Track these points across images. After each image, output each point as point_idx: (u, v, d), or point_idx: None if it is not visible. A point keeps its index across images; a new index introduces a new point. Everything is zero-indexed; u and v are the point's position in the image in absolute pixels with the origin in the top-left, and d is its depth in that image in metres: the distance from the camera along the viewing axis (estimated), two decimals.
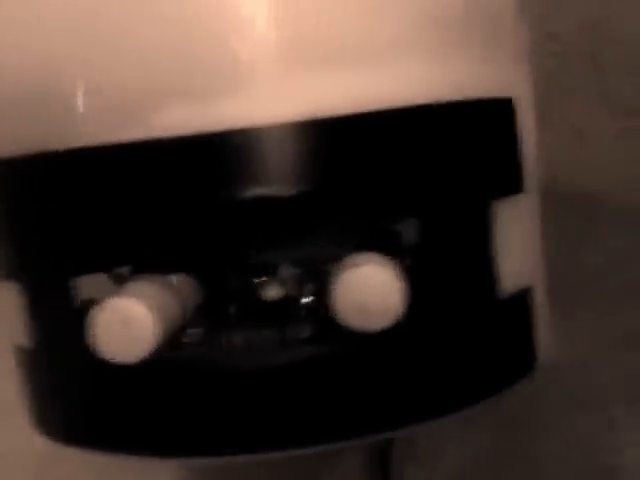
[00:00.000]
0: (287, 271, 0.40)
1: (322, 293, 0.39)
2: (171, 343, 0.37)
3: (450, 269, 0.38)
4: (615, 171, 0.70)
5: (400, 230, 0.46)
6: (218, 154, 0.35)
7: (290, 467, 0.59)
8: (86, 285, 0.40)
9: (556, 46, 0.71)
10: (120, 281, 0.45)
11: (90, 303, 0.40)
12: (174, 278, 0.40)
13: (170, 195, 0.36)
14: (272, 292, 0.39)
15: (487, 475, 0.68)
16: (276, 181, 0.35)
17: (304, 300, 0.40)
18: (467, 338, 0.38)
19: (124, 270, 0.45)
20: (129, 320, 0.34)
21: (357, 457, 0.63)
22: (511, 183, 0.40)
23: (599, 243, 0.68)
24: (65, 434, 0.41)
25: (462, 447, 0.68)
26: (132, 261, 0.39)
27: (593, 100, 0.70)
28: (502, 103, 0.40)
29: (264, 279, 0.40)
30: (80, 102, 0.36)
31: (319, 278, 0.40)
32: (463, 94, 0.38)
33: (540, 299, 0.45)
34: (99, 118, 0.36)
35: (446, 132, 0.37)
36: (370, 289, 0.35)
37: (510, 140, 0.40)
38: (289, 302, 0.40)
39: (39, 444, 0.43)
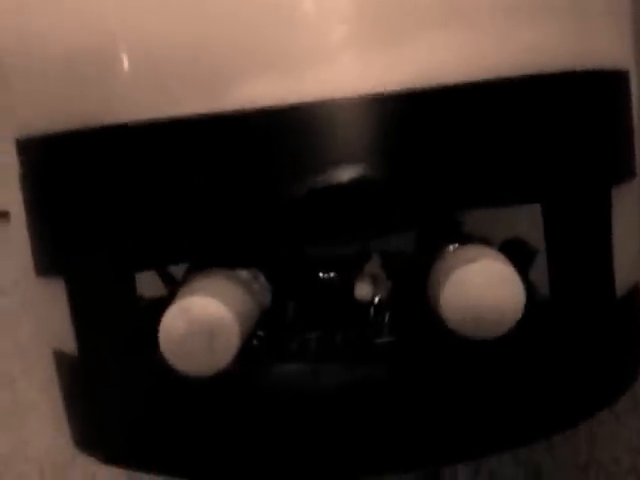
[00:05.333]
0: (376, 267, 0.35)
1: (414, 293, 0.34)
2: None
3: (569, 266, 0.33)
4: None
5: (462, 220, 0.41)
6: (300, 131, 0.30)
7: None
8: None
9: None
10: (169, 280, 0.40)
11: (152, 302, 0.35)
12: (243, 273, 0.35)
13: (249, 175, 0.30)
14: (364, 291, 0.33)
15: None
16: (367, 161, 0.30)
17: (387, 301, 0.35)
18: (584, 343, 0.33)
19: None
20: (211, 325, 0.29)
21: None
22: (628, 166, 0.35)
23: None
24: (119, 455, 0.35)
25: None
26: (202, 251, 0.33)
27: None
28: (620, 75, 0.35)
29: (351, 275, 0.35)
30: (145, 70, 0.31)
31: (409, 275, 0.35)
32: (578, 64, 0.33)
33: None
34: (164, 88, 0.31)
35: (565, 104, 0.32)
36: (489, 290, 0.30)
37: (626, 116, 0.35)
38: (374, 303, 0.35)
39: None
